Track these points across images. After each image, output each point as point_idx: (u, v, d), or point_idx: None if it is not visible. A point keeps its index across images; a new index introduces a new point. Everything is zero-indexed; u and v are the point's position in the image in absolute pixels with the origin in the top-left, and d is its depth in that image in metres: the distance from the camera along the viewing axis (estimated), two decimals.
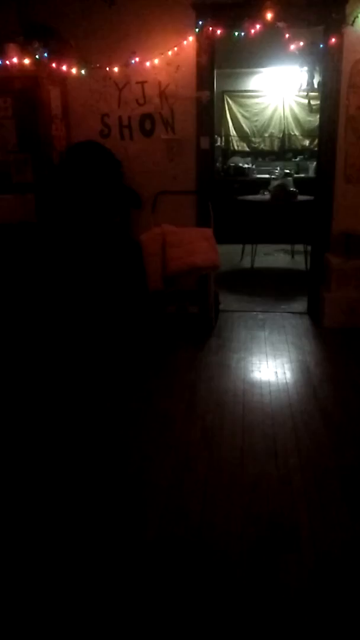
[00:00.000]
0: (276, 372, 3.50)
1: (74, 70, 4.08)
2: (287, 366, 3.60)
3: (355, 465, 2.48)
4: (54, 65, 3.93)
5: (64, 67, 4.01)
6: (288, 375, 3.47)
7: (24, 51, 3.74)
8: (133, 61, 4.09)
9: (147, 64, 4.10)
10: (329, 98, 4.17)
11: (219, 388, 3.29)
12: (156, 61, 4.09)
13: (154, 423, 2.90)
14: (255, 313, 4.68)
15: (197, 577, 1.86)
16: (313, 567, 1.88)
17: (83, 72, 4.11)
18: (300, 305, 4.80)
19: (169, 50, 4.06)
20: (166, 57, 4.08)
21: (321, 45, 4.08)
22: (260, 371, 3.53)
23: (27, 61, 3.74)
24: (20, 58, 3.73)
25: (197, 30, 3.98)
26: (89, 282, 4.04)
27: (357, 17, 3.86)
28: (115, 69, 4.12)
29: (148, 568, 1.90)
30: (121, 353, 3.87)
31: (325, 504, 2.22)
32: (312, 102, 7.44)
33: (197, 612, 1.72)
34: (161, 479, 2.41)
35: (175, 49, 4.05)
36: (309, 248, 4.93)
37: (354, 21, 3.87)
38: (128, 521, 2.14)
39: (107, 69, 4.12)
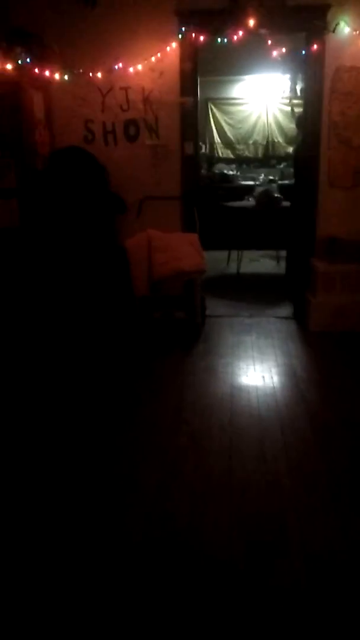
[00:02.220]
0: (263, 377, 3.49)
1: (57, 76, 4.07)
2: (274, 370, 3.59)
3: (343, 469, 2.47)
4: (36, 70, 3.91)
5: (47, 73, 4.00)
6: (275, 379, 3.46)
7: (6, 56, 3.72)
8: (116, 67, 4.09)
9: (131, 69, 4.10)
10: (312, 104, 4.21)
11: (207, 393, 3.27)
12: (139, 67, 4.09)
13: (141, 429, 2.86)
14: (241, 318, 4.67)
15: (184, 581, 1.82)
16: (303, 572, 1.86)
17: (66, 77, 4.10)
18: (286, 310, 4.81)
19: (152, 57, 4.07)
20: (149, 63, 4.09)
21: (303, 52, 4.12)
22: (247, 376, 3.52)
23: (9, 66, 3.72)
24: (2, 63, 3.70)
25: (180, 36, 3.99)
26: (74, 288, 4.00)
27: (339, 24, 3.90)
28: (99, 75, 4.11)
29: (134, 571, 1.87)
30: (108, 359, 3.83)
31: (314, 508, 2.20)
32: (295, 109, 7.51)
33: (184, 617, 1.68)
34: (148, 484, 2.37)
35: (159, 55, 4.06)
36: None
37: (335, 28, 3.91)
38: (114, 525, 2.10)
39: (91, 74, 4.11)
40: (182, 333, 4.29)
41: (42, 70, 3.95)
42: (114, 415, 3.02)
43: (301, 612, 1.70)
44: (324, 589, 1.79)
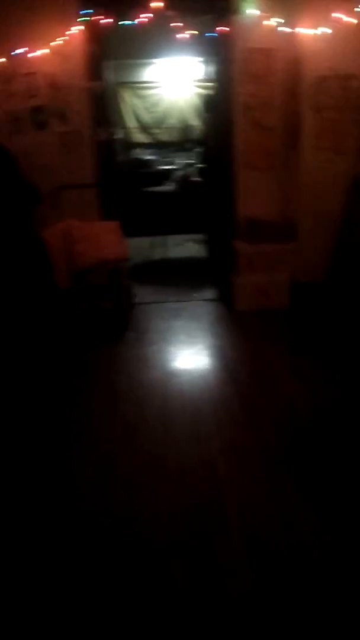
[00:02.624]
0: (194, 360, 3.52)
1: None
2: (204, 352, 3.63)
3: (273, 444, 2.55)
4: None
5: None
6: (205, 361, 3.50)
7: None
8: (17, 52, 3.89)
9: (35, 54, 3.92)
10: (223, 86, 4.24)
11: (138, 381, 3.25)
12: (43, 51, 3.93)
13: (74, 423, 2.81)
14: (169, 303, 4.68)
15: (128, 569, 1.82)
16: (244, 549, 1.90)
17: None
18: (212, 292, 4.87)
19: (56, 40, 3.91)
20: (54, 47, 3.93)
21: (212, 34, 4.12)
22: (178, 360, 3.54)
23: None
24: None
25: (82, 18, 3.86)
26: None
27: (243, 5, 3.92)
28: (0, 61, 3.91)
29: (77, 564, 1.85)
30: (35, 355, 3.71)
31: (249, 484, 2.26)
32: (207, 92, 7.54)
33: (131, 605, 1.68)
34: (84, 479, 2.33)
35: (63, 38, 3.91)
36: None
37: (241, 10, 3.93)
38: (53, 523, 2.06)
39: None
40: (110, 323, 4.23)
41: None
42: (44, 412, 2.95)
43: (243, 591, 1.75)
44: (265, 566, 1.84)
